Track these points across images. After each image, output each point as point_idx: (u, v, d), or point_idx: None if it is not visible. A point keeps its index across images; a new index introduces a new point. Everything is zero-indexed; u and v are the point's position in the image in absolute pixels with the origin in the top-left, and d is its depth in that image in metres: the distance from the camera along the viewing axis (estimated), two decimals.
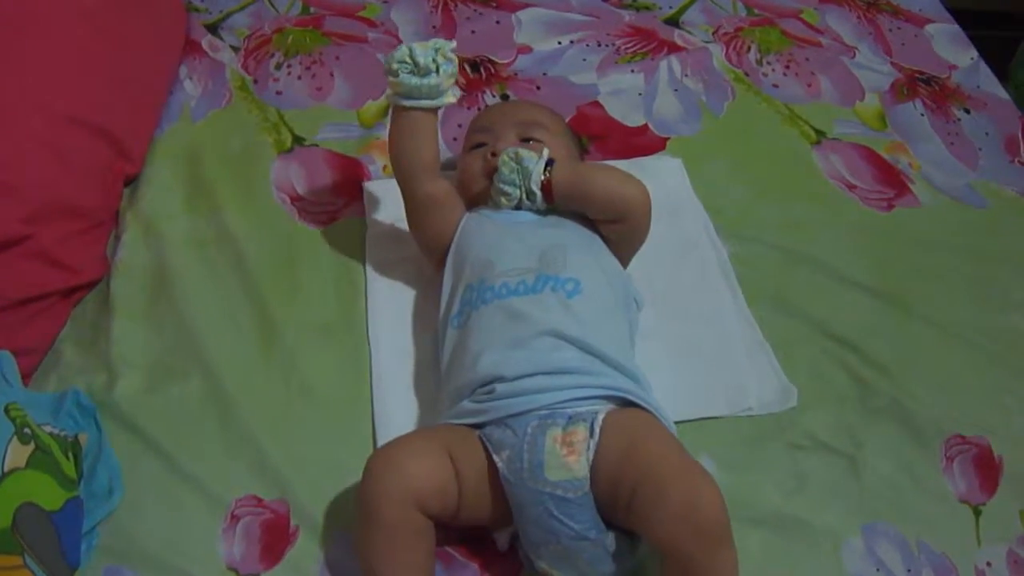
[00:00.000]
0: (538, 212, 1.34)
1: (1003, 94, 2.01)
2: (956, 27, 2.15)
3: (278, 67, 1.79)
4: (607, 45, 1.92)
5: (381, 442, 1.24)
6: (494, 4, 1.99)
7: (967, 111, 1.93)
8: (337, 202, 1.57)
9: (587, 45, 1.91)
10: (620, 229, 1.34)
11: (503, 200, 1.33)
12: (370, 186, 1.58)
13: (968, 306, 1.52)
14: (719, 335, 1.42)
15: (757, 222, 1.60)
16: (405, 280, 1.45)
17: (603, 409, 1.13)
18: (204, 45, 1.83)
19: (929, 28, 2.13)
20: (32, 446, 1.08)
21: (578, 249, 1.30)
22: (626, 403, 1.16)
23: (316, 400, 1.30)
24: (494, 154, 1.37)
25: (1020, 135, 1.91)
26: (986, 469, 1.31)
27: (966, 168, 1.80)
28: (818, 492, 1.25)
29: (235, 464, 1.23)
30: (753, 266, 1.52)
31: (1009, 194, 1.76)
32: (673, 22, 2.02)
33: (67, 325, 1.39)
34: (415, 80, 1.28)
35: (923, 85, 1.96)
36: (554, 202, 1.32)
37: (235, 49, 1.83)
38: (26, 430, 1.08)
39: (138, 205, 1.53)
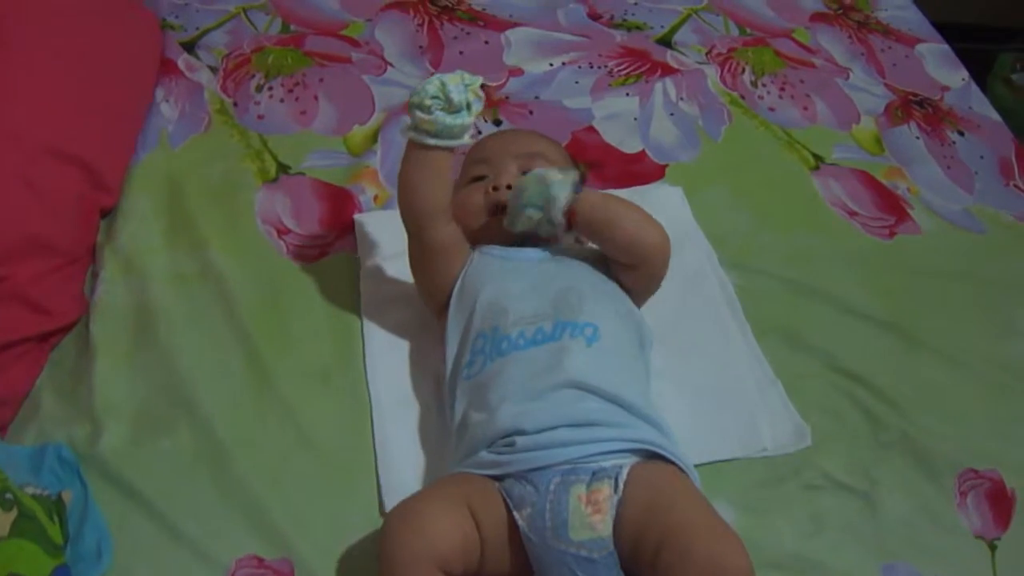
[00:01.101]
0: (545, 247, 1.29)
1: (995, 116, 2.01)
2: (946, 47, 2.16)
3: (259, 89, 1.71)
4: (600, 67, 1.87)
5: (387, 495, 1.17)
6: (481, 23, 1.93)
7: (961, 133, 1.92)
8: (327, 236, 1.49)
9: (579, 67, 1.87)
10: (635, 275, 1.29)
11: (519, 223, 1.26)
12: (361, 219, 1.51)
13: (974, 335, 1.49)
14: (729, 373, 1.37)
15: (760, 252, 1.56)
16: (402, 321, 1.38)
17: (627, 463, 1.08)
18: (180, 65, 1.75)
19: (920, 48, 2.13)
20: (15, 512, 1.00)
21: (592, 291, 1.24)
22: (650, 454, 1.10)
23: (316, 451, 1.23)
24: (495, 188, 1.31)
25: (1014, 158, 1.91)
26: (999, 503, 1.28)
27: (963, 192, 1.79)
28: (835, 533, 1.22)
29: (233, 522, 1.15)
30: (758, 299, 1.48)
31: (1007, 219, 1.75)
32: (665, 42, 1.99)
33: (44, 372, 1.29)
34: (448, 119, 1.20)
35: (917, 107, 1.95)
36: (573, 230, 1.26)
37: (213, 69, 1.76)
38: (8, 495, 1.01)
39: (116, 239, 1.44)
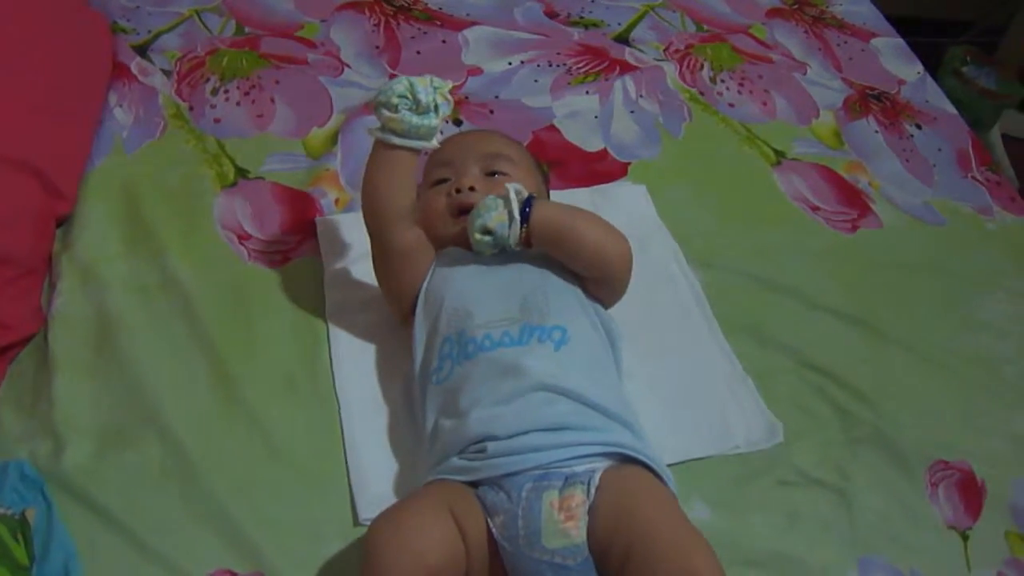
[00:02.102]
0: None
1: (950, 108, 2.04)
2: (900, 40, 2.19)
3: (214, 92, 1.68)
4: (558, 65, 1.86)
5: (360, 504, 1.15)
6: (438, 23, 1.91)
7: (919, 127, 1.95)
8: (289, 240, 1.46)
9: (538, 65, 1.86)
10: (597, 286, 1.28)
11: (481, 249, 1.25)
12: (323, 222, 1.48)
13: (938, 327, 1.51)
14: (700, 371, 1.37)
15: (725, 249, 1.57)
16: (369, 325, 1.35)
17: (600, 467, 1.06)
18: (133, 69, 1.70)
19: (875, 42, 2.16)
20: None
21: (559, 292, 1.23)
22: (624, 457, 1.09)
23: (285, 460, 1.20)
24: (458, 190, 1.29)
25: (971, 150, 1.93)
26: (970, 493, 1.29)
27: (923, 185, 1.81)
28: (811, 529, 1.22)
29: (203, 536, 1.12)
30: (725, 296, 1.49)
31: (966, 211, 1.77)
32: (623, 40, 1.98)
33: (3, 386, 1.25)
34: (415, 119, 1.19)
35: (874, 101, 1.97)
36: (532, 246, 1.25)
37: (167, 73, 1.72)
38: None
39: (73, 248, 1.40)
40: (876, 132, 1.90)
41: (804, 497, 1.25)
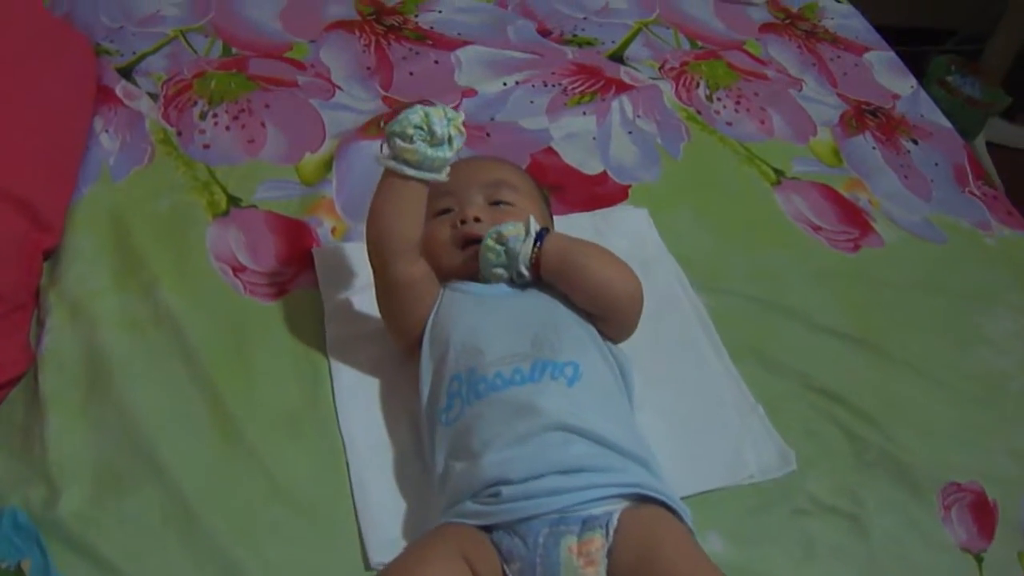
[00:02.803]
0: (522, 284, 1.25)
1: (945, 122, 2.04)
2: (892, 54, 2.18)
3: (203, 116, 1.63)
4: (554, 85, 1.83)
5: (371, 548, 1.11)
6: (430, 42, 1.88)
7: (915, 142, 1.95)
8: (285, 272, 1.41)
9: (533, 86, 1.82)
10: (604, 324, 1.24)
11: (493, 280, 1.23)
12: (320, 252, 1.44)
13: (942, 346, 1.51)
14: (709, 399, 1.35)
15: (728, 272, 1.55)
16: (372, 360, 1.31)
17: (618, 508, 1.03)
18: (118, 92, 1.65)
19: (868, 56, 2.15)
20: None
21: (570, 326, 1.20)
22: (641, 496, 1.06)
23: (290, 502, 1.15)
24: (463, 221, 1.26)
25: (967, 164, 1.93)
26: (983, 515, 1.28)
27: (921, 201, 1.80)
28: (828, 558, 1.20)
29: None
30: (729, 319, 1.46)
31: (964, 226, 1.77)
32: (617, 58, 1.96)
33: None
34: (429, 151, 1.16)
35: (870, 117, 1.97)
36: (542, 279, 1.23)
37: (153, 96, 1.66)
38: None
39: (61, 282, 1.34)
40: (874, 148, 1.89)
41: (819, 526, 1.23)
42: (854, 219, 1.71)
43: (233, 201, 1.51)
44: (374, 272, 1.25)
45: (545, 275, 1.21)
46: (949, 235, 1.73)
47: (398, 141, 1.16)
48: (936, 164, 1.90)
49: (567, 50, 1.93)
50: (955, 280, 1.64)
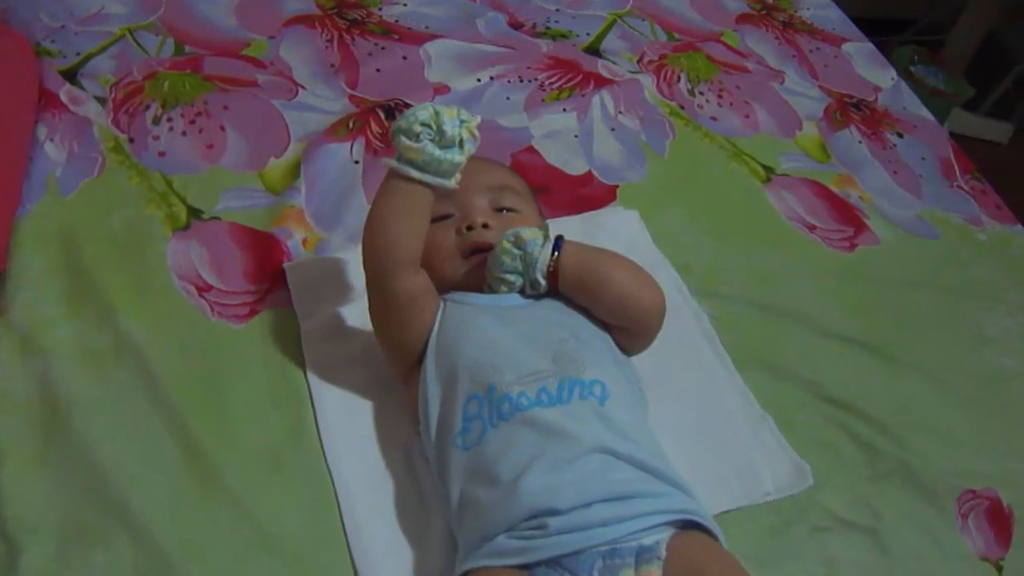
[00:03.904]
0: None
1: (927, 115, 2.02)
2: (871, 45, 2.14)
3: (156, 121, 1.50)
4: (530, 80, 1.73)
5: None
6: (396, 36, 1.76)
7: (900, 135, 1.91)
8: (256, 290, 1.29)
9: (508, 81, 1.72)
10: (623, 336, 1.16)
11: (503, 288, 1.13)
12: (293, 268, 1.32)
13: (947, 348, 1.47)
14: (718, 414, 1.28)
15: (726, 276, 1.48)
16: (357, 385, 1.20)
17: (665, 536, 0.96)
18: (63, 97, 1.51)
19: (846, 47, 2.11)
20: None
21: (590, 340, 1.11)
22: (684, 522, 0.99)
23: (278, 550, 1.04)
24: (470, 227, 1.17)
25: (952, 158, 1.90)
26: (999, 522, 1.25)
27: (912, 197, 1.76)
28: (849, 575, 1.16)
29: None
30: (731, 327, 1.39)
31: (956, 222, 1.74)
32: (594, 51, 1.87)
33: None
34: (438, 152, 1.06)
35: (854, 110, 1.92)
36: (558, 290, 1.13)
37: (101, 101, 1.52)
38: None
39: (8, 311, 1.21)
40: (860, 143, 1.84)
41: (839, 542, 1.18)
42: (848, 217, 1.65)
43: (194, 213, 1.39)
44: (369, 285, 1.14)
45: (563, 286, 1.12)
46: (942, 231, 1.70)
47: (403, 139, 1.06)
48: (923, 158, 1.86)
49: (541, 43, 1.83)
50: (953, 278, 1.61)
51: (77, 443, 1.09)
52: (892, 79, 2.04)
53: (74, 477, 1.07)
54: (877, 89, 2.00)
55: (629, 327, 1.14)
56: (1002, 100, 3.19)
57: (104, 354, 1.19)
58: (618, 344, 1.15)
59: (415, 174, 1.06)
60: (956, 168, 1.87)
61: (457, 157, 1.07)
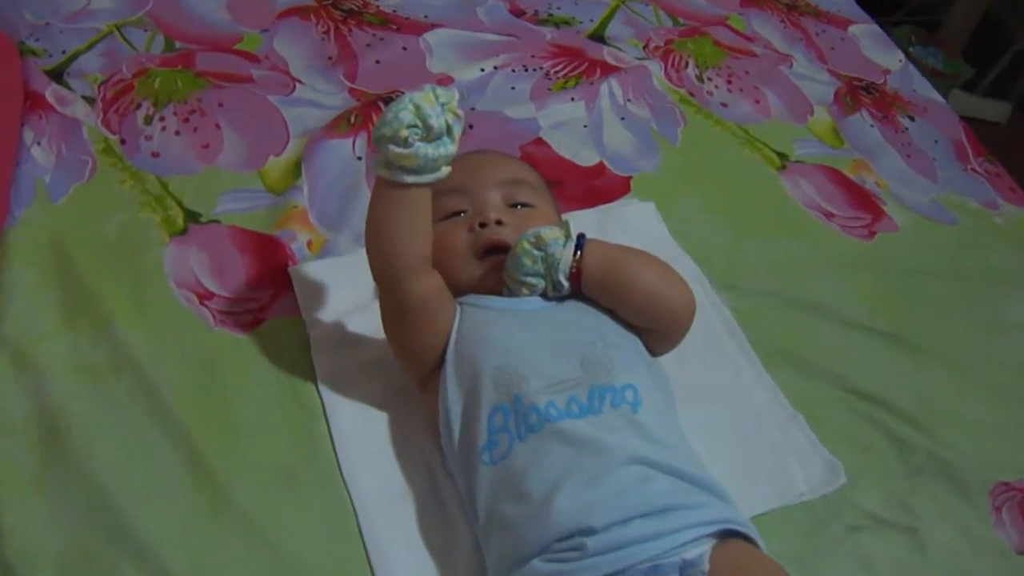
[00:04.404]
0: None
1: (937, 97, 1.99)
2: (876, 27, 2.11)
3: (148, 121, 1.43)
4: (535, 69, 1.67)
5: None
6: (395, 27, 1.70)
7: (911, 118, 1.87)
8: (260, 297, 1.23)
9: (513, 70, 1.66)
10: (649, 337, 1.10)
11: (524, 291, 1.07)
12: (298, 272, 1.26)
13: (972, 336, 1.44)
14: (748, 414, 1.23)
15: (746, 269, 1.43)
16: (371, 395, 1.14)
17: (707, 548, 0.90)
18: (49, 98, 1.43)
19: (852, 30, 2.07)
20: None
21: (618, 342, 1.05)
22: (725, 531, 0.93)
23: (296, 573, 0.98)
24: (483, 224, 1.10)
25: (965, 141, 1.87)
26: None
27: (927, 182, 1.72)
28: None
29: None
30: (753, 321, 1.35)
31: (972, 206, 1.71)
32: (598, 38, 1.81)
33: None
34: (430, 150, 0.98)
35: (864, 93, 1.88)
36: (581, 292, 1.07)
37: (89, 101, 1.45)
38: None
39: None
40: (872, 127, 1.79)
41: (876, 542, 1.14)
42: (865, 203, 1.61)
43: (191, 217, 1.32)
44: (381, 292, 1.09)
45: (587, 288, 1.06)
46: (959, 216, 1.66)
47: (392, 148, 0.98)
48: (936, 141, 1.82)
49: (544, 31, 1.77)
50: (973, 264, 1.57)
51: (77, 465, 1.03)
52: (900, 61, 2.00)
53: (75, 502, 1.00)
54: (886, 71, 1.95)
55: (658, 328, 1.09)
56: (999, 80, 3.15)
57: (102, 369, 1.12)
58: (644, 344, 1.10)
59: (410, 179, 1.00)
60: (969, 150, 1.83)
61: (450, 148, 1.00)
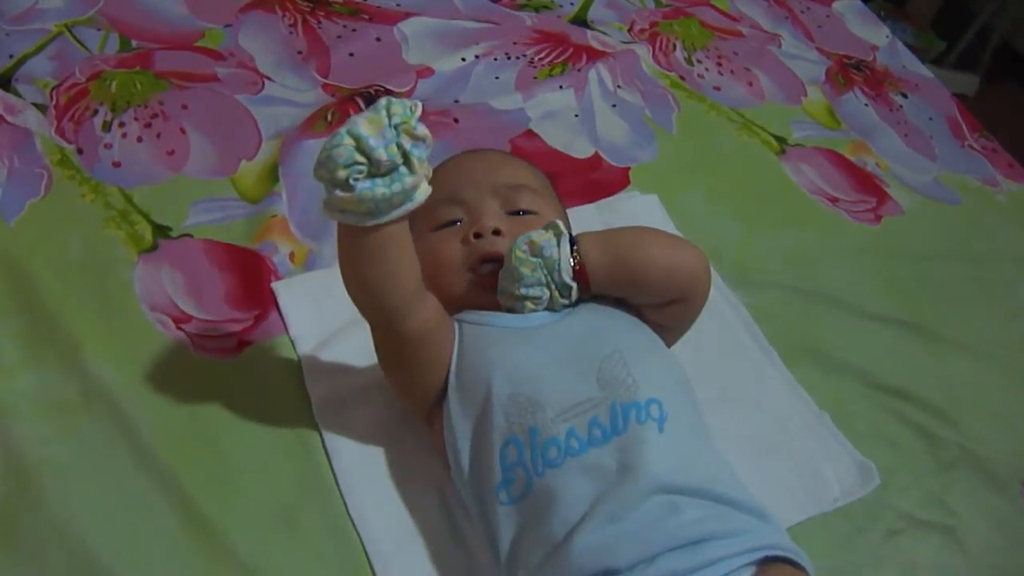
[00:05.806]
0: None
1: (926, 72, 1.97)
2: (860, 3, 2.08)
3: (106, 127, 1.31)
4: (518, 56, 1.58)
5: None
6: (366, 17, 1.59)
7: (904, 95, 1.83)
8: (243, 318, 1.12)
9: (495, 59, 1.57)
10: (675, 311, 1.01)
11: (529, 305, 0.96)
12: (283, 288, 1.15)
13: (987, 320, 1.41)
14: (772, 415, 1.17)
15: (757, 261, 1.38)
16: (373, 423, 1.04)
17: (747, 574, 0.82)
18: None
19: (837, 6, 2.04)
20: None
21: (635, 347, 0.95)
22: (766, 556, 0.84)
23: None
24: (478, 235, 0.99)
25: (959, 117, 1.84)
26: None
27: (926, 160, 1.69)
28: None
29: None
30: (769, 316, 1.29)
31: (973, 184, 1.69)
32: (581, 22, 1.72)
33: None
34: (382, 188, 0.81)
35: (855, 71, 1.83)
36: (591, 290, 0.97)
37: (41, 108, 1.32)
38: None
39: None
40: (866, 105, 1.75)
41: (916, 545, 1.11)
42: (868, 186, 1.56)
43: (160, 231, 1.21)
44: (373, 330, 0.97)
45: (597, 281, 0.96)
46: (961, 195, 1.64)
47: (337, 192, 0.82)
48: (930, 118, 1.79)
49: (524, 16, 1.68)
50: (981, 245, 1.55)
51: (52, 518, 0.92)
52: (887, 37, 1.96)
53: (52, 563, 0.89)
54: (874, 48, 1.92)
55: (680, 296, 0.99)
56: (966, 52, 3.13)
57: (73, 407, 1.01)
58: (662, 337, 1.01)
59: (371, 222, 0.84)
60: (964, 127, 1.80)
61: (408, 180, 0.82)
